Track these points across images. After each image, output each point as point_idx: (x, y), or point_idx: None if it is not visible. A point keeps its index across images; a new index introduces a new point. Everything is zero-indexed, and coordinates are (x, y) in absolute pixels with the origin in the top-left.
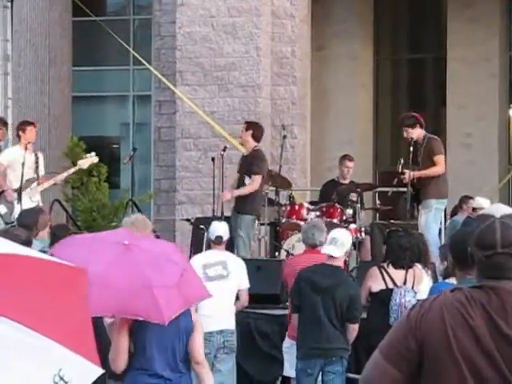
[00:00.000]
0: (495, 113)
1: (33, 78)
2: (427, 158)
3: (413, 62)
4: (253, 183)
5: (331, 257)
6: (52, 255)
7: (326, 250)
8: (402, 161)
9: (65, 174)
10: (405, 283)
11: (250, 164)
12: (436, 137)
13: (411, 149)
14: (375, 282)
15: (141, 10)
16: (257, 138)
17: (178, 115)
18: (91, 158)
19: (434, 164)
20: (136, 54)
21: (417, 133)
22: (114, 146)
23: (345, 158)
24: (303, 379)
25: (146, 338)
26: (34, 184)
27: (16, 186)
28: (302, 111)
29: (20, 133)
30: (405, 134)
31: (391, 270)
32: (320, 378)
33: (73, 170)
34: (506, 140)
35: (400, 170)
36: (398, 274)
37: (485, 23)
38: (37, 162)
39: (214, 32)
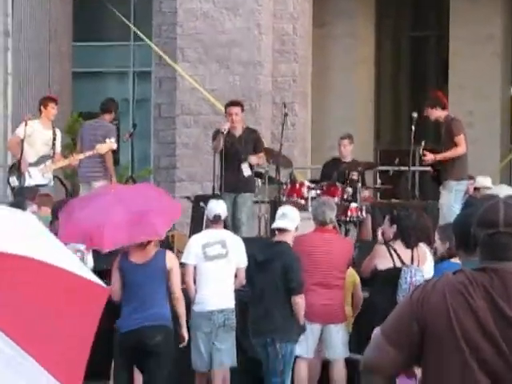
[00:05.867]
0: (497, 92)
1: (33, 53)
2: (448, 140)
3: (414, 39)
4: (263, 160)
5: (282, 231)
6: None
7: (279, 224)
8: (424, 143)
9: (81, 156)
10: (412, 262)
11: (256, 141)
12: (457, 117)
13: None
14: (382, 260)
15: None
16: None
17: (178, 92)
18: (110, 144)
19: (455, 145)
20: (136, 30)
21: (435, 114)
22: (114, 122)
23: (341, 137)
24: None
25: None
26: (49, 161)
27: (30, 160)
28: (304, 89)
29: (41, 108)
30: (425, 113)
31: (399, 248)
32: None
33: (90, 153)
34: (508, 119)
35: (422, 152)
36: (405, 253)
37: (487, 2)
38: (54, 139)
39: (215, 8)
